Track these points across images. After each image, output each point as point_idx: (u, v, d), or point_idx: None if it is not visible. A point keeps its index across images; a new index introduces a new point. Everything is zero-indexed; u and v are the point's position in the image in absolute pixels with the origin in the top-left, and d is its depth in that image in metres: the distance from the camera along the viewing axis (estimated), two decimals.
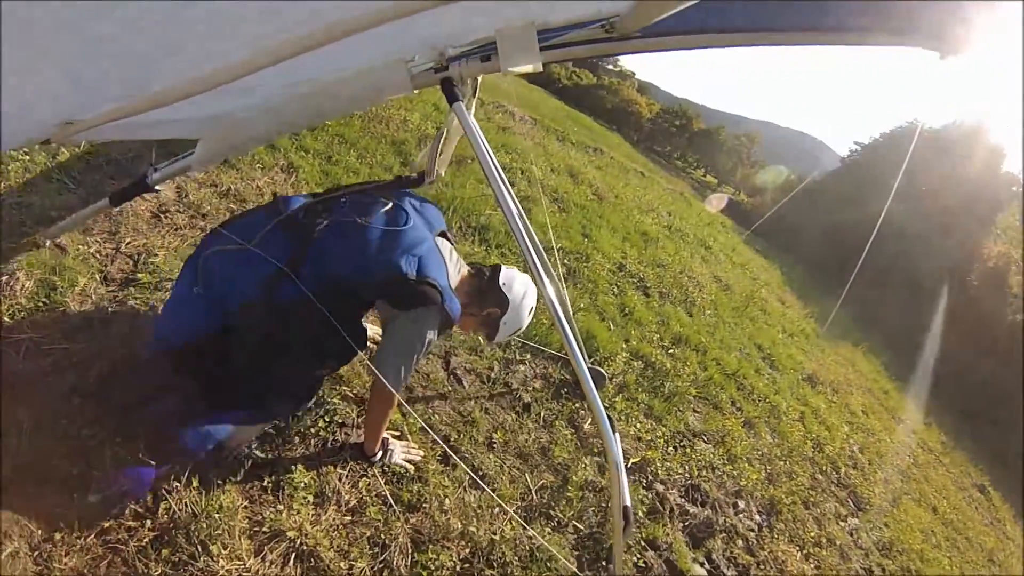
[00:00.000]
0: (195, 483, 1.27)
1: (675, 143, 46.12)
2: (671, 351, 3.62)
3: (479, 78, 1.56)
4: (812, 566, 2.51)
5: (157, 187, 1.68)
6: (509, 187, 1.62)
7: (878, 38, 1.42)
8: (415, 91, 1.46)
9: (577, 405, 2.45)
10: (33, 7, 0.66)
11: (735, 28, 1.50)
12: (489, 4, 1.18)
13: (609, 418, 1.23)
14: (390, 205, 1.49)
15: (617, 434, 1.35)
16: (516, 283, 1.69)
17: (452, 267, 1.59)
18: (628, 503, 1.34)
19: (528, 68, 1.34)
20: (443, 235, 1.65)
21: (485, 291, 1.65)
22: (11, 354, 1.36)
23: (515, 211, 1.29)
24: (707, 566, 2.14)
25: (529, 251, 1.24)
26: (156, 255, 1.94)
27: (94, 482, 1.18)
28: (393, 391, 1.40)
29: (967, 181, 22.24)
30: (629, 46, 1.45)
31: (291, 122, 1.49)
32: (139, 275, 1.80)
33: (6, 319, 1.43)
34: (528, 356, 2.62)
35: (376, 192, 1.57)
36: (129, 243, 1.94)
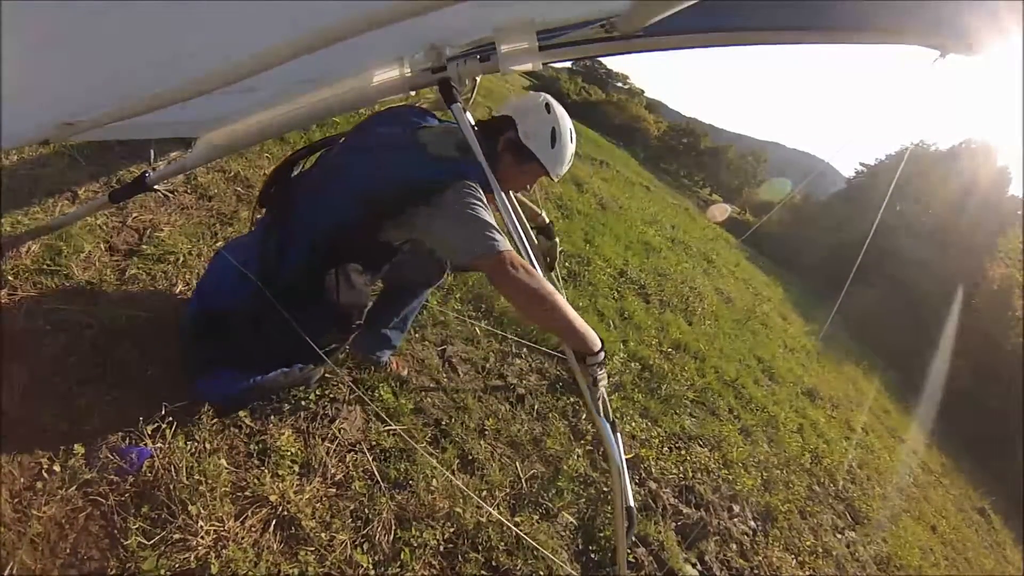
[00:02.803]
0: (181, 442, 1.27)
1: (682, 161, 46.38)
2: (669, 356, 3.60)
3: (478, 78, 1.54)
4: (807, 574, 2.46)
5: (156, 187, 1.69)
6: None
7: (878, 36, 1.44)
8: (412, 92, 1.48)
9: (573, 400, 2.44)
10: (33, 7, 0.67)
11: (734, 28, 1.52)
12: (489, 4, 1.19)
13: (611, 420, 1.20)
14: (349, 139, 1.42)
15: (619, 435, 1.31)
16: (513, 100, 1.48)
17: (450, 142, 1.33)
18: (632, 504, 1.32)
19: (528, 67, 1.36)
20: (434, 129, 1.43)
21: (490, 131, 1.41)
22: (11, 312, 1.38)
23: (511, 210, 1.27)
24: (699, 567, 2.11)
25: (526, 249, 1.24)
26: (161, 230, 1.96)
27: (87, 461, 1.18)
28: (514, 267, 1.14)
29: (972, 203, 22.27)
30: (629, 46, 1.46)
31: (289, 122, 1.52)
32: (143, 247, 1.83)
33: (9, 278, 1.45)
34: (524, 351, 2.62)
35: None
36: (136, 217, 1.98)
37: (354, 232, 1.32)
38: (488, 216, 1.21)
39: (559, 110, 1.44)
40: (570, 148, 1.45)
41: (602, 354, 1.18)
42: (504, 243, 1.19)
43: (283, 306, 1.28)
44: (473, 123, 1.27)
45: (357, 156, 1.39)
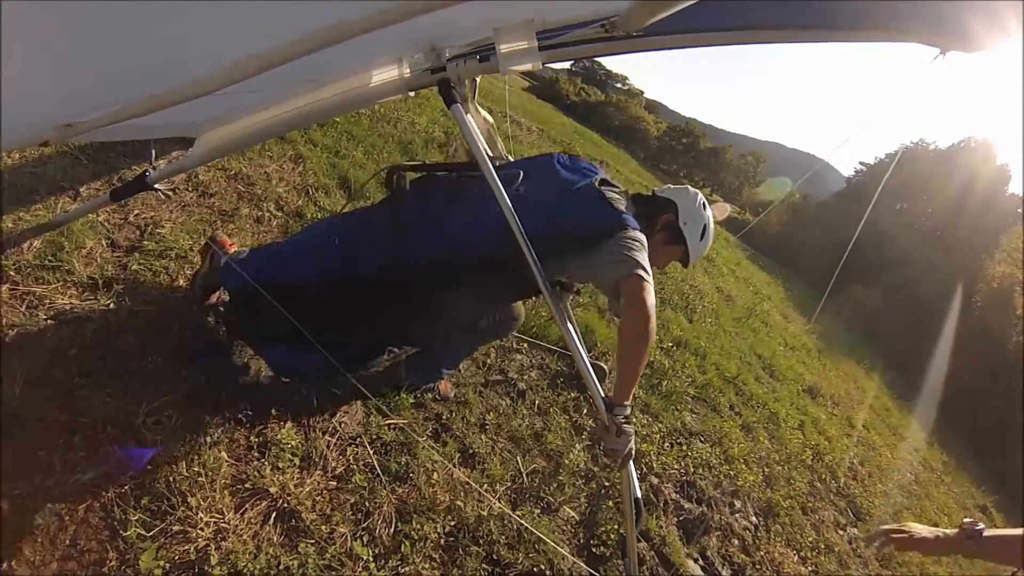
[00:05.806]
0: (181, 435, 1.27)
1: (682, 161, 46.45)
2: (670, 352, 3.60)
3: (477, 79, 1.56)
4: (809, 570, 2.45)
5: (156, 186, 1.69)
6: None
7: (878, 35, 1.44)
8: (411, 92, 1.49)
9: (574, 395, 2.44)
10: (34, 9, 0.68)
11: (733, 27, 1.52)
12: (488, 4, 1.20)
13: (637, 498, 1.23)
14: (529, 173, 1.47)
15: None
16: (672, 187, 1.66)
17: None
18: (639, 495, 1.33)
19: (527, 67, 1.37)
20: (604, 182, 1.54)
21: (649, 207, 1.57)
22: (14, 306, 1.39)
23: (512, 209, 1.27)
24: (701, 563, 2.10)
25: (528, 247, 1.24)
26: (163, 227, 1.97)
27: (88, 460, 1.17)
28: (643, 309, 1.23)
29: (973, 201, 22.22)
30: (628, 45, 1.46)
31: (289, 122, 1.53)
32: (145, 243, 1.83)
33: (11, 273, 1.46)
34: (525, 346, 2.62)
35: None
36: (138, 215, 1.98)
37: (505, 260, 1.32)
38: (645, 255, 1.34)
39: (710, 211, 1.64)
40: (710, 245, 1.65)
41: (629, 409, 1.29)
42: (651, 277, 1.30)
43: (383, 293, 1.39)
44: (475, 127, 1.29)
45: (538, 190, 1.42)
